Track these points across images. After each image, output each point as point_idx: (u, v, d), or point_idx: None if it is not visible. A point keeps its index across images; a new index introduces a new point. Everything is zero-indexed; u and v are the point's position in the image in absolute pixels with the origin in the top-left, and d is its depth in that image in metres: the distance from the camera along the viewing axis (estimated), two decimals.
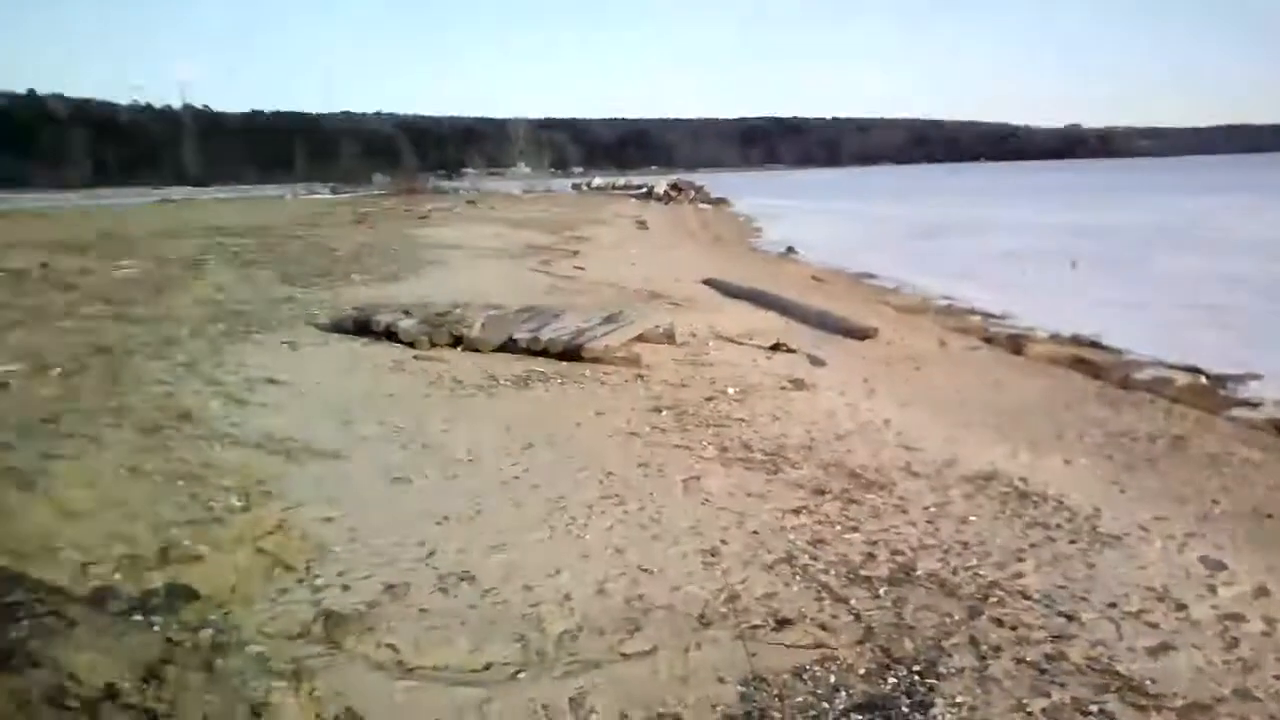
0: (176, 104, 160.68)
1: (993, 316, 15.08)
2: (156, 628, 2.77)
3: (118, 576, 3.63)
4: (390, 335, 9.82)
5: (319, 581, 4.14)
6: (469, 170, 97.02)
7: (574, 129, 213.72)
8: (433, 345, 9.57)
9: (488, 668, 3.58)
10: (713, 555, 4.80)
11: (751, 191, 75.04)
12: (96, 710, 2.19)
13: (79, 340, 8.57)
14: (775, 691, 3.51)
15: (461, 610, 4.01)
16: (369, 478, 5.67)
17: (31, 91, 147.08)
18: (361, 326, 10.20)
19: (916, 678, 3.65)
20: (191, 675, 2.49)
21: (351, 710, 2.92)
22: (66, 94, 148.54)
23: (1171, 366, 10.96)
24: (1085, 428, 7.98)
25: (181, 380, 7.46)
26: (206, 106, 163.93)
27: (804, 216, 46.13)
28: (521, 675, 3.53)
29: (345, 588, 4.10)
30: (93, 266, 14.89)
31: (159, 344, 8.86)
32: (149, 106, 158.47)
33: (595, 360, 9.21)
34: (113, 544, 3.91)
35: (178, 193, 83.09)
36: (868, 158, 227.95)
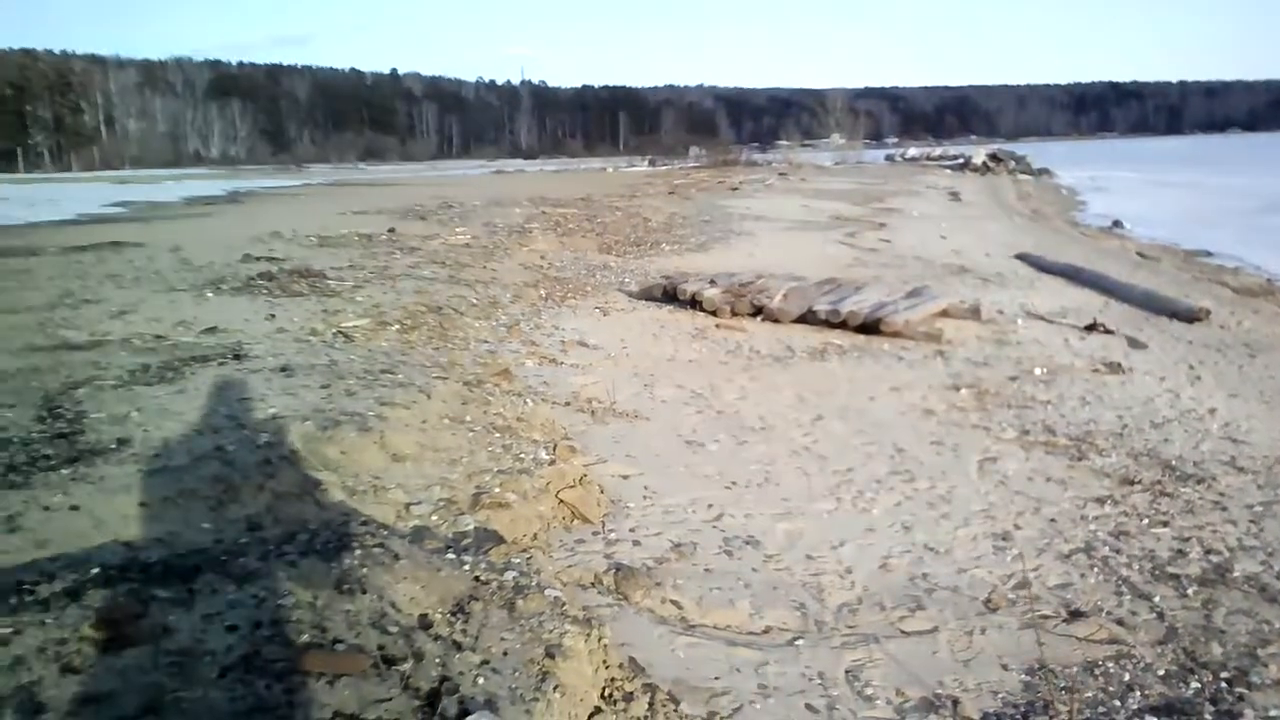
0: (515, 80, 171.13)
1: None
2: (467, 567, 3.04)
3: (435, 518, 4.01)
4: (695, 304, 10.11)
5: (613, 535, 4.39)
6: (783, 141, 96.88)
7: (891, 98, 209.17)
8: (734, 314, 9.77)
9: (766, 631, 3.67)
10: (1004, 539, 4.67)
11: (1079, 162, 70.41)
12: (411, 637, 2.46)
13: (416, 300, 9.36)
14: (1062, 684, 3.39)
15: (744, 573, 4.13)
16: (665, 440, 5.91)
17: (394, 71, 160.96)
18: (669, 294, 10.55)
19: (1224, 685, 3.42)
20: (495, 613, 2.72)
21: (635, 661, 3.09)
22: (422, 73, 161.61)
23: None
24: None
25: (503, 340, 8.03)
26: (542, 82, 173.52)
27: (1135, 188, 42.78)
28: (799, 642, 3.60)
29: (636, 543, 4.32)
30: (432, 232, 16.16)
31: (485, 305, 9.56)
32: (492, 83, 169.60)
33: (895, 335, 9.08)
34: (433, 488, 4.31)
35: (510, 164, 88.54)
36: (1215, 124, 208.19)
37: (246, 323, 7.66)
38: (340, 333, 7.55)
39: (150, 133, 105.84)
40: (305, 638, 2.34)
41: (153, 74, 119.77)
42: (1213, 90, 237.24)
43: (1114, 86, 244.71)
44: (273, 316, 7.98)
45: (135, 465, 3.91)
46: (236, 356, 6.15)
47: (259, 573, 2.62)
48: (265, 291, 9.25)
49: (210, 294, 9.08)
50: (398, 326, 8.00)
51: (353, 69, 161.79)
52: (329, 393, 5.27)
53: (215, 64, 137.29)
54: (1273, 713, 3.25)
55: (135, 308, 8.17)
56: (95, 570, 2.73)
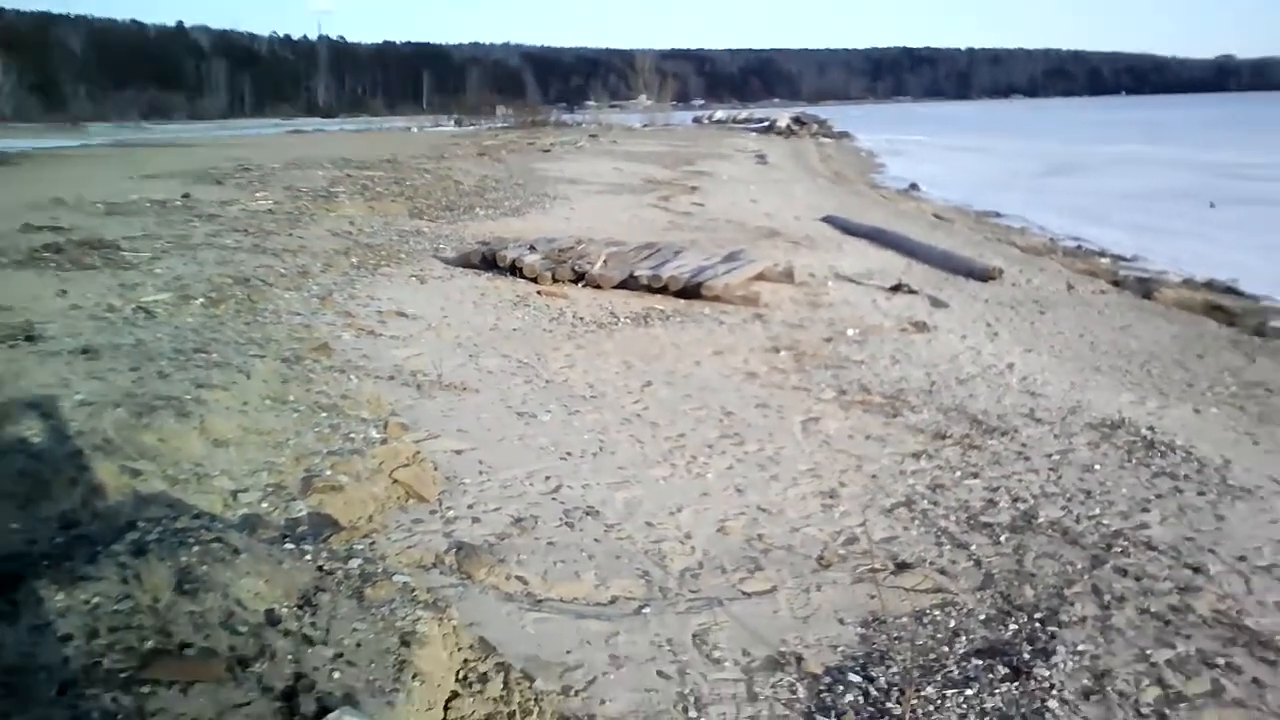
0: (313, 35, 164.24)
1: (1123, 259, 14.57)
2: (308, 556, 2.93)
3: (265, 505, 3.85)
4: (515, 270, 10.02)
5: (450, 513, 4.31)
6: (591, 103, 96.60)
7: (698, 60, 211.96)
8: (555, 281, 9.73)
9: (613, 602, 3.70)
10: (831, 498, 4.85)
11: (876, 126, 73.40)
12: (261, 635, 2.35)
13: (220, 270, 8.93)
14: (895, 634, 3.56)
15: (587, 544, 4.14)
16: (495, 412, 5.84)
17: (180, 24, 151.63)
18: (487, 261, 10.41)
19: (1038, 625, 3.66)
20: (344, 603, 2.63)
21: (485, 640, 3.05)
22: (211, 25, 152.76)
23: None
24: (1218, 376, 7.73)
25: (317, 312, 7.75)
26: (341, 38, 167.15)
27: (929, 152, 45.00)
28: (646, 610, 3.65)
29: (475, 520, 4.27)
30: (231, 198, 15.41)
31: (294, 275, 9.19)
32: (287, 37, 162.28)
33: (715, 299, 9.25)
34: (260, 473, 4.13)
35: (307, 124, 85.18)
36: (1000, 90, 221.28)
37: (35, 300, 7.12)
38: (141, 308, 7.12)
39: None
40: (150, 644, 2.20)
41: None
42: (998, 58, 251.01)
43: (908, 52, 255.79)
44: (64, 292, 7.44)
45: None
46: (29, 338, 5.71)
47: (88, 576, 2.44)
48: (53, 265, 8.60)
49: None
50: (203, 300, 7.61)
51: (133, 20, 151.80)
52: (139, 375, 4.96)
53: None
54: (1080, 647, 3.50)
55: None
56: None
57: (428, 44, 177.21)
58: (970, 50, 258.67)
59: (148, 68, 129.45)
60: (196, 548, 2.59)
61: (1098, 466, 5.42)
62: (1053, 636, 3.58)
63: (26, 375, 4.86)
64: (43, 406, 4.32)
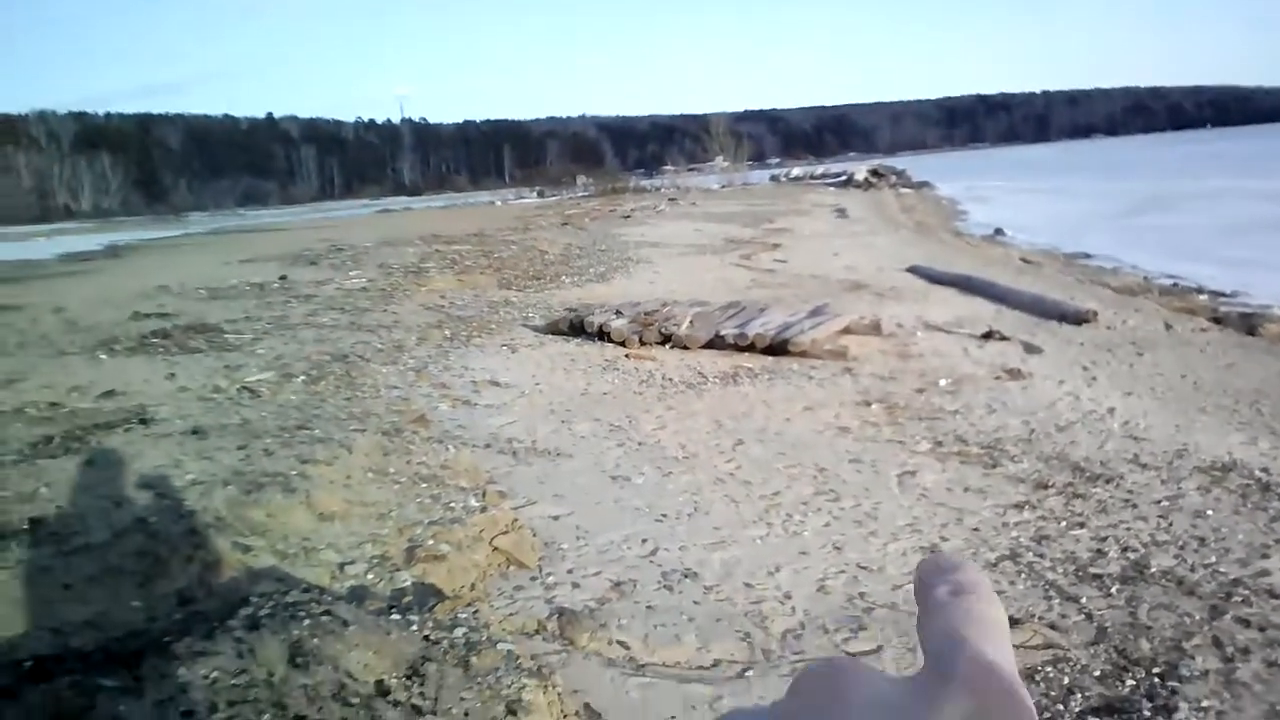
0: (396, 118, 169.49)
1: (1222, 295, 14.13)
2: (414, 627, 2.98)
3: (370, 576, 3.92)
4: (603, 335, 10.13)
5: (550, 579, 4.34)
6: (668, 167, 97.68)
7: (771, 119, 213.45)
8: (643, 344, 9.81)
9: (715, 665, 3.67)
10: (933, 552, 4.76)
11: (955, 173, 72.73)
12: (372, 706, 2.40)
13: (318, 349, 9.20)
14: None
15: (687, 607, 4.12)
16: (590, 476, 5.88)
17: (269, 115, 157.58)
18: (575, 327, 10.55)
19: (1156, 680, 3.52)
20: (450, 673, 2.67)
21: (590, 707, 3.06)
22: (299, 115, 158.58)
23: None
24: None
25: (413, 385, 7.92)
26: (423, 119, 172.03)
27: (1011, 196, 44.36)
28: (749, 673, 3.61)
29: (575, 585, 4.29)
30: (325, 277, 15.89)
31: (390, 350, 9.42)
32: (371, 122, 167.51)
33: (802, 354, 9.22)
34: (365, 545, 4.22)
35: (395, 203, 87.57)
36: (1080, 131, 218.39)
37: (146, 384, 7.42)
38: (245, 388, 7.36)
39: (14, 188, 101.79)
40: (267, 717, 2.26)
41: (13, 128, 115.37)
42: (1075, 99, 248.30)
43: (983, 99, 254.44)
44: (173, 375, 7.74)
45: (53, 545, 3.75)
46: (142, 421, 5.95)
47: (206, 651, 2.52)
48: (161, 350, 8.98)
49: (103, 355, 8.77)
50: (304, 378, 7.84)
51: (226, 115, 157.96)
52: (247, 453, 5.13)
53: (80, 116, 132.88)
54: (1205, 703, 3.37)
55: (24, 375, 7.84)
56: (29, 663, 2.60)
57: (506, 120, 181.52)
58: (1046, 93, 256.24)
59: (241, 158, 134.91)
60: (307, 621, 2.66)
61: (1210, 512, 5.23)
62: (1174, 692, 3.45)
63: (141, 457, 5.06)
64: (157, 487, 4.48)
